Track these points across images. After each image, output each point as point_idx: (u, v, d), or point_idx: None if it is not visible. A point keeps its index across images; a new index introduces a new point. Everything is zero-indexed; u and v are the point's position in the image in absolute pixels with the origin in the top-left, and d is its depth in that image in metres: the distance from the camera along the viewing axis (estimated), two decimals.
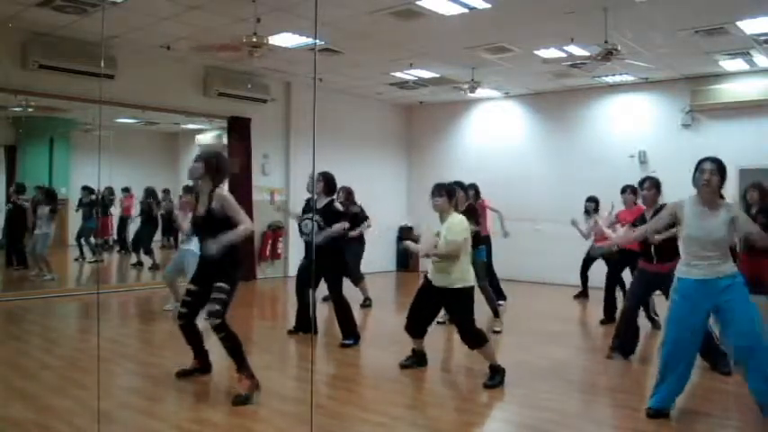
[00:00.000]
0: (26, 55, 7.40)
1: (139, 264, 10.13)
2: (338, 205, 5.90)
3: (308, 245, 5.74)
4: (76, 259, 10.05)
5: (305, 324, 5.85)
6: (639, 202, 5.75)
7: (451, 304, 4.55)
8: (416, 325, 4.74)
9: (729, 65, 8.43)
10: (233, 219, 3.97)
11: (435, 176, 11.86)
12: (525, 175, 10.68)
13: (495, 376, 4.44)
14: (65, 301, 7.76)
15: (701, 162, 3.64)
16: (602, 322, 6.80)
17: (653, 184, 5.03)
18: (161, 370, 4.79)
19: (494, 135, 11.37)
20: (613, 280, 6.84)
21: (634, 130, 9.83)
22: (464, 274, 4.44)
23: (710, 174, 3.54)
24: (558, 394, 4.32)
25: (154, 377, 4.62)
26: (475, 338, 4.45)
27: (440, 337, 6.33)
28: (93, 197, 9.56)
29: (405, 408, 4.04)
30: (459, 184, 6.21)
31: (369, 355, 5.38)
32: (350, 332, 5.60)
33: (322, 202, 5.66)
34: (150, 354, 5.32)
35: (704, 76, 9.03)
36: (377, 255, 10.67)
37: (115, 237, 10.72)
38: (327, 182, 5.71)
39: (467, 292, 4.45)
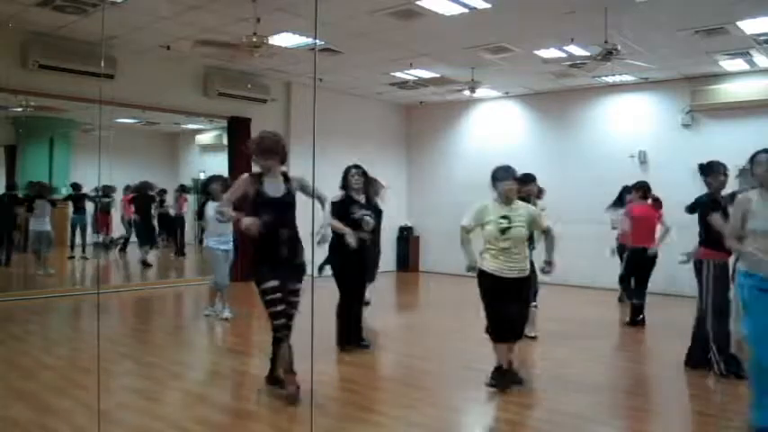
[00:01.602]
0: (26, 55, 7.39)
1: (143, 263, 10.16)
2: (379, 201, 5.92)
3: (365, 243, 5.35)
4: (70, 257, 10.08)
5: (354, 335, 5.48)
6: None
7: (526, 291, 4.43)
8: (508, 325, 4.34)
9: (729, 65, 8.43)
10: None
11: (435, 176, 12.08)
12: None
13: (494, 376, 4.42)
14: (65, 301, 7.77)
15: (755, 155, 3.62)
16: (631, 324, 6.83)
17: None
18: (161, 370, 4.80)
19: (494, 135, 11.36)
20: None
21: (634, 130, 9.82)
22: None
23: None
24: (558, 394, 4.32)
25: (154, 377, 4.62)
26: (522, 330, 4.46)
27: (441, 336, 6.33)
28: (81, 192, 9.66)
29: (405, 408, 4.03)
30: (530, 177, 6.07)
31: (369, 354, 5.38)
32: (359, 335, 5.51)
33: (362, 197, 5.48)
34: (150, 354, 5.32)
35: (704, 76, 9.02)
36: None
37: (113, 235, 10.74)
38: (366, 177, 5.56)
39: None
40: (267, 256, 4.01)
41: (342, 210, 5.21)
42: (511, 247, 4.23)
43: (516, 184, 4.36)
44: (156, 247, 10.24)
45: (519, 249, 4.27)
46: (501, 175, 4.31)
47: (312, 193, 4.08)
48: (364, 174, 5.44)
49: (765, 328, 3.41)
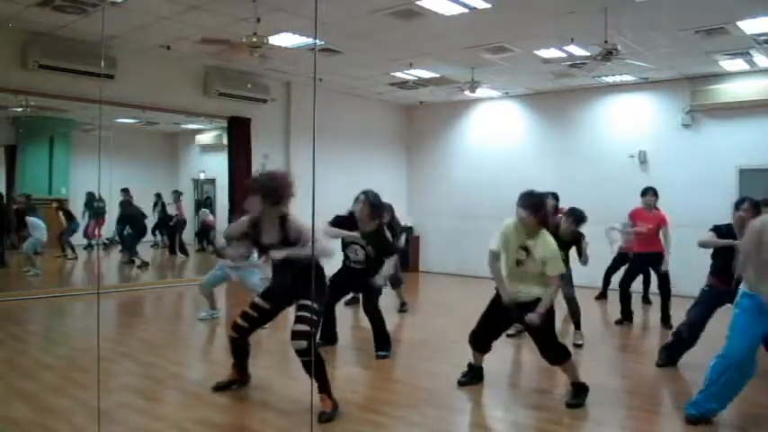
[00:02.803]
0: (26, 55, 7.39)
1: (144, 264, 10.16)
2: (388, 234, 5.45)
3: (351, 267, 5.31)
4: (69, 259, 10.10)
5: (331, 336, 5.64)
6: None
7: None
8: (485, 339, 4.40)
9: (729, 65, 8.43)
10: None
11: (435, 176, 12.09)
12: (525, 176, 10.66)
13: (581, 394, 4.14)
14: (65, 301, 7.76)
15: None
16: (619, 323, 6.95)
17: (752, 206, 4.63)
18: (161, 370, 4.80)
19: (494, 135, 11.37)
20: (629, 282, 6.95)
21: (634, 130, 9.82)
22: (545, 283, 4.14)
23: None
24: (558, 394, 4.32)
25: (154, 377, 4.62)
26: (559, 353, 4.16)
27: (442, 336, 6.33)
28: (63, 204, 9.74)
29: (405, 408, 4.03)
30: (553, 195, 6.07)
31: (368, 355, 5.38)
32: (385, 343, 5.39)
33: (369, 226, 5.16)
34: (150, 354, 5.32)
35: (704, 76, 9.02)
36: None
37: (108, 238, 10.75)
38: (373, 206, 5.13)
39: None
40: (272, 280, 4.15)
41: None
42: (524, 278, 4.09)
43: (530, 215, 3.98)
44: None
45: (530, 283, 4.08)
46: (518, 200, 4.07)
47: (303, 240, 3.71)
48: (367, 199, 5.12)
49: (747, 330, 3.57)
